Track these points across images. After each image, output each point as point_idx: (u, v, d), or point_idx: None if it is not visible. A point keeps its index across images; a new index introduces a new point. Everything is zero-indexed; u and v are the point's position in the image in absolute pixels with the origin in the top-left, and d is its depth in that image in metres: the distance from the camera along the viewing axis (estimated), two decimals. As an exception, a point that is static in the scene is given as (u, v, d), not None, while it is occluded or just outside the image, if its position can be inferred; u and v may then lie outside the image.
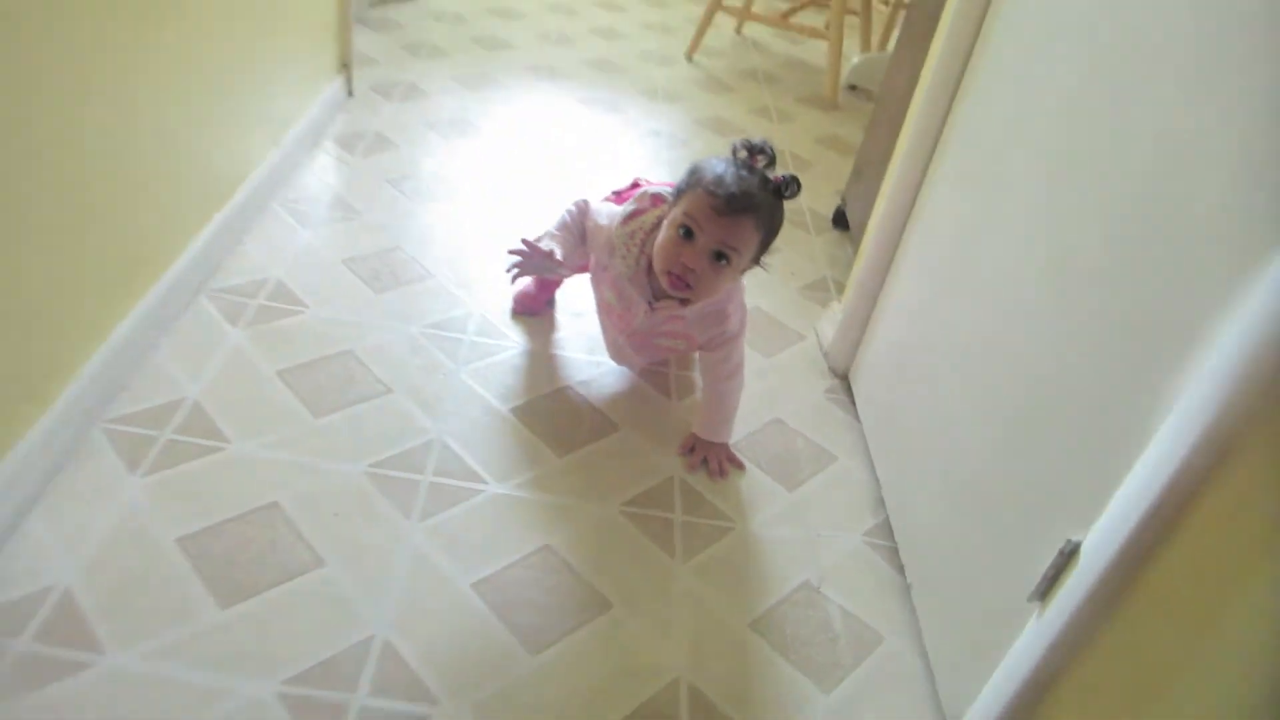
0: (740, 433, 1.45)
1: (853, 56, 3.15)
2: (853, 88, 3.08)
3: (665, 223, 1.28)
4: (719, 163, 1.26)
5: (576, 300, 1.67)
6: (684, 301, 1.31)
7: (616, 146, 2.36)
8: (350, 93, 2.27)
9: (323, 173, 1.92)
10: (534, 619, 1.11)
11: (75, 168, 1.11)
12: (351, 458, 1.26)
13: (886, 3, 3.41)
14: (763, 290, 1.83)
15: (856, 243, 1.78)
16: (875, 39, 3.31)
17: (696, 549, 1.25)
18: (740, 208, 1.22)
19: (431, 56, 2.62)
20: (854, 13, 3.24)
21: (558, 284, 1.66)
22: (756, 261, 1.29)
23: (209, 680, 0.96)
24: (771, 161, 1.26)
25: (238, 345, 1.41)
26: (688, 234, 1.24)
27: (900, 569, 1.28)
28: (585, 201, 1.44)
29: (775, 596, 1.21)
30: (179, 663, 0.97)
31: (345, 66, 2.23)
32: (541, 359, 1.54)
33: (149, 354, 1.34)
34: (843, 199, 2.18)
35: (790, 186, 1.24)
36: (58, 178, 1.08)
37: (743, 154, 1.26)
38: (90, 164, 1.15)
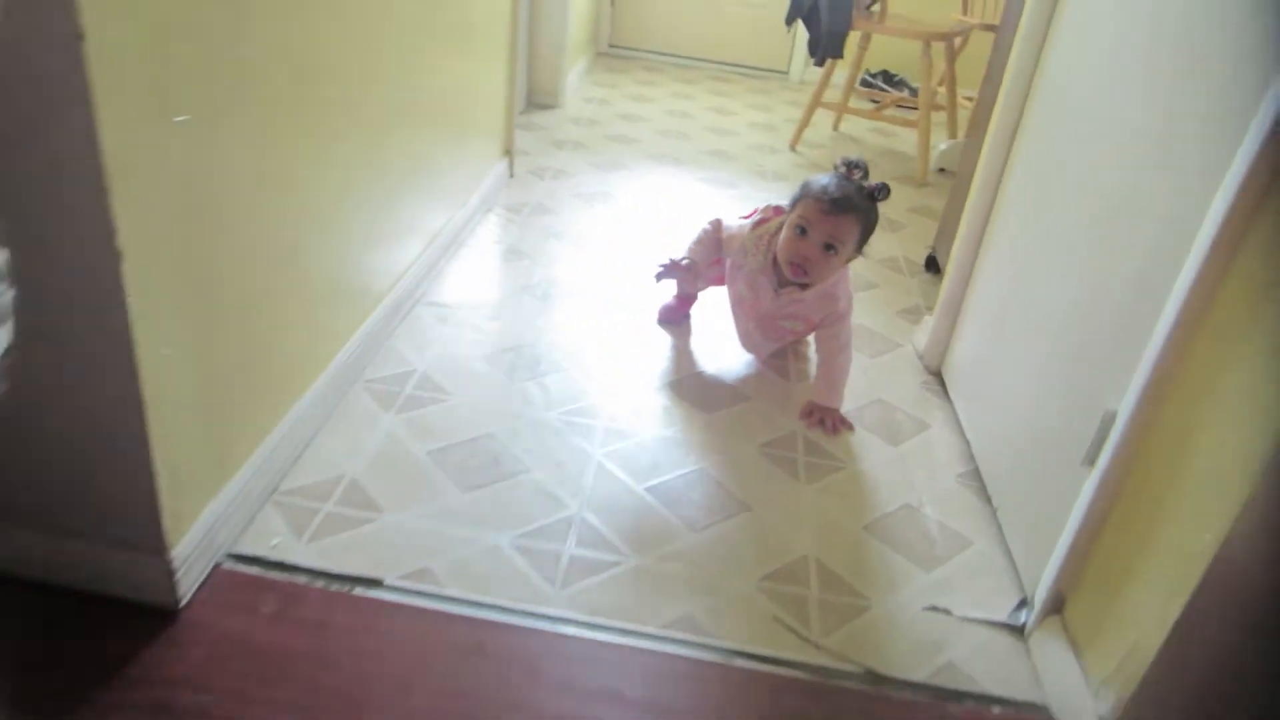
0: (849, 405, 1.76)
1: (940, 144, 3.52)
2: (941, 170, 3.44)
3: (785, 225, 1.64)
4: (825, 176, 1.62)
5: (709, 314, 2.03)
6: (803, 287, 1.66)
7: (734, 211, 2.76)
8: (512, 174, 2.74)
9: (496, 230, 2.37)
10: (693, 511, 1.43)
11: (339, 219, 1.53)
12: (544, 408, 1.63)
13: (970, 99, 3.80)
14: (868, 313, 2.16)
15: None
16: (961, 129, 3.69)
17: (817, 478, 1.56)
18: (843, 209, 1.58)
19: (574, 149, 3.11)
20: (940, 107, 3.63)
21: (693, 300, 2.02)
22: (859, 251, 1.63)
23: (461, 531, 1.32)
24: (865, 174, 1.62)
25: (451, 335, 1.81)
26: (803, 232, 1.60)
27: (987, 500, 1.55)
28: (719, 219, 1.82)
29: (882, 511, 1.50)
30: (437, 521, 1.33)
31: (508, 153, 2.71)
32: (683, 351, 1.90)
33: (385, 340, 1.75)
34: (932, 249, 2.51)
35: (882, 191, 1.60)
36: (330, 231, 1.48)
37: (843, 169, 1.62)
38: (346, 216, 1.57)
